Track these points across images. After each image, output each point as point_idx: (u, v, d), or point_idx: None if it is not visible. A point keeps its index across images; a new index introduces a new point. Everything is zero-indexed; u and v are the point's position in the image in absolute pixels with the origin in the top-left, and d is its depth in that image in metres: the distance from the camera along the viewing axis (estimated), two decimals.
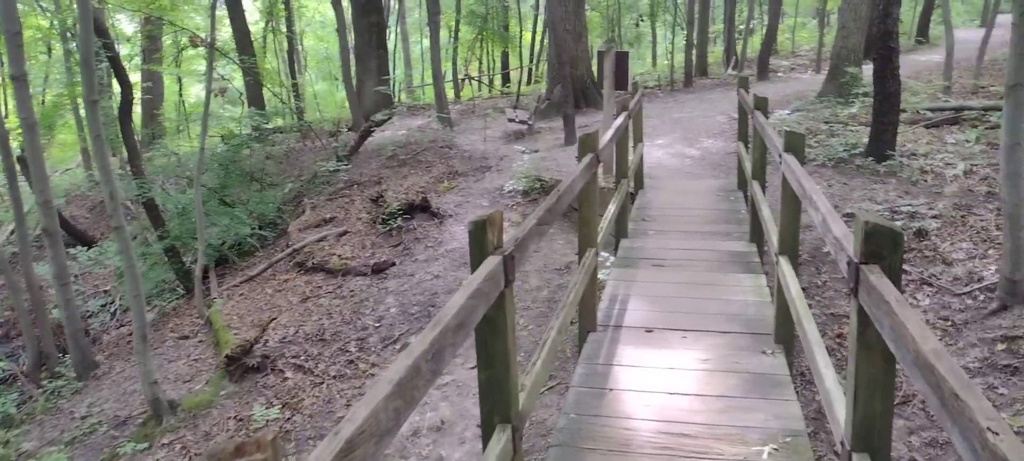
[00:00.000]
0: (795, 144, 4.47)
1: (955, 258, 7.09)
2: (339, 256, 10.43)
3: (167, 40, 24.11)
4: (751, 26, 26.67)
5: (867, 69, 16.44)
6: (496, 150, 13.27)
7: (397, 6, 33.95)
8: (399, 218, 10.56)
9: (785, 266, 4.31)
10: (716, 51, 29.25)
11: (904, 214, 7.79)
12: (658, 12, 26.49)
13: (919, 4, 26.62)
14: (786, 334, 4.47)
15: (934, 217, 7.75)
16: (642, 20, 27.26)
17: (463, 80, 27.09)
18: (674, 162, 11.11)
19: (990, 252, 7.09)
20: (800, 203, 3.96)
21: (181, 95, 28.73)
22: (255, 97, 21.85)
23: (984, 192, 8.25)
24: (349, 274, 9.86)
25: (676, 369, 4.26)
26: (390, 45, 37.39)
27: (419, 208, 10.68)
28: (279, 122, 26.60)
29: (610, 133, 5.79)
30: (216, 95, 19.85)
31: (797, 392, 4.31)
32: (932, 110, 11.75)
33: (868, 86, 14.07)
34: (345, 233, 11.21)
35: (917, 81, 15.55)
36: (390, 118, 14.79)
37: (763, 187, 6.41)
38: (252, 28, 25.96)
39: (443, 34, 26.28)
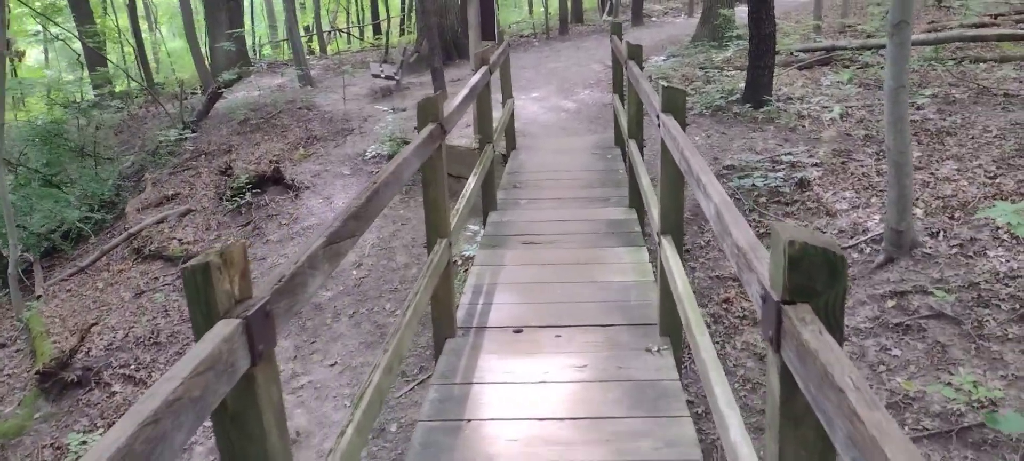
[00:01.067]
0: (675, 102, 3.75)
1: (838, 209, 6.70)
2: (180, 240, 9.14)
3: None
4: None
5: (740, 10, 16.28)
6: (360, 110, 12.12)
7: None
8: (248, 193, 9.35)
9: (669, 249, 3.61)
10: None
11: (785, 164, 7.35)
12: None
13: None
14: (672, 324, 3.79)
15: (815, 165, 7.36)
16: None
17: (330, 33, 25.40)
18: (550, 117, 10.36)
19: (873, 200, 6.74)
20: (684, 177, 3.24)
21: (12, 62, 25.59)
22: (97, 59, 19.49)
23: (862, 136, 7.94)
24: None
25: (548, 383, 3.51)
26: None
27: (271, 180, 9.49)
28: (125, 86, 24.18)
29: (464, 92, 4.91)
30: (11, 59, 17.47)
31: (689, 403, 3.66)
32: (804, 51, 11.51)
33: (741, 28, 13.79)
34: (189, 212, 9.88)
35: (787, 21, 15.43)
36: (240, 78, 13.30)
37: (641, 147, 5.72)
38: None
39: None
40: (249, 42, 26.23)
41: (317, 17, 22.55)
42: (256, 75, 18.29)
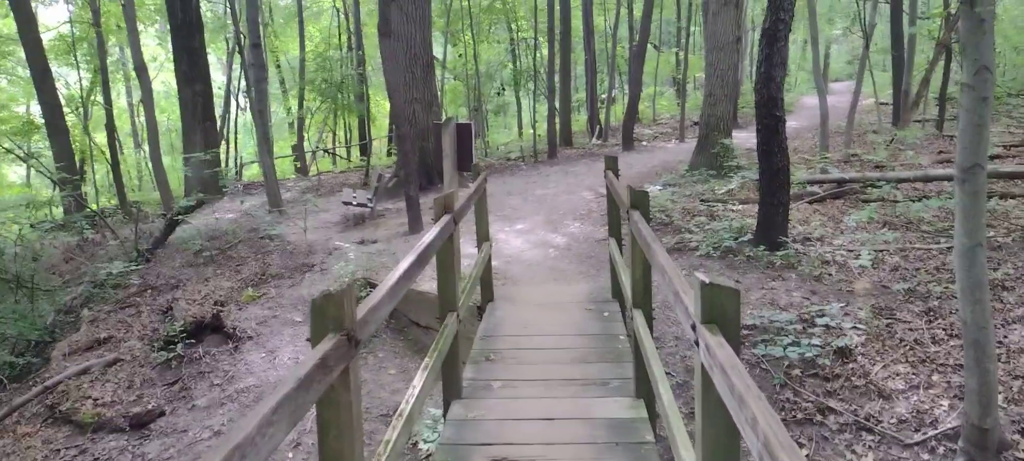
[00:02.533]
0: (724, 311, 2.35)
1: (893, 389, 5.27)
2: (96, 399, 7.54)
3: None
4: (612, 95, 25.67)
5: (740, 136, 15.43)
6: (327, 240, 10.79)
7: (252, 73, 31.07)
8: (181, 343, 7.86)
9: None
10: (580, 119, 28.13)
11: (819, 327, 5.97)
12: (521, 80, 25.04)
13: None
14: None
15: (855, 329, 5.97)
16: (503, 89, 25.75)
17: (314, 153, 24.48)
18: (536, 254, 9.03)
19: (935, 378, 5.33)
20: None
21: None
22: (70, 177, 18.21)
23: (903, 291, 6.60)
24: (102, 429, 7.02)
25: None
26: (247, 115, 34.25)
27: (210, 327, 8.02)
28: (102, 203, 22.93)
29: (410, 259, 3.56)
30: None
31: None
32: (813, 183, 10.36)
33: (742, 157, 12.74)
34: (116, 362, 8.33)
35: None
36: (201, 204, 12.02)
37: (650, 319, 4.33)
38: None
39: (294, 102, 23.67)
40: (233, 161, 25.25)
41: (299, 136, 21.65)
42: (230, 196, 17.08)
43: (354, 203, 11.63)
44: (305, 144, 24.31)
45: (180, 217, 11.66)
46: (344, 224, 11.92)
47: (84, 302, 10.89)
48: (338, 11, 25.59)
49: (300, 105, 22.76)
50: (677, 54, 32.16)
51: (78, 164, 22.48)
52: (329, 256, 9.86)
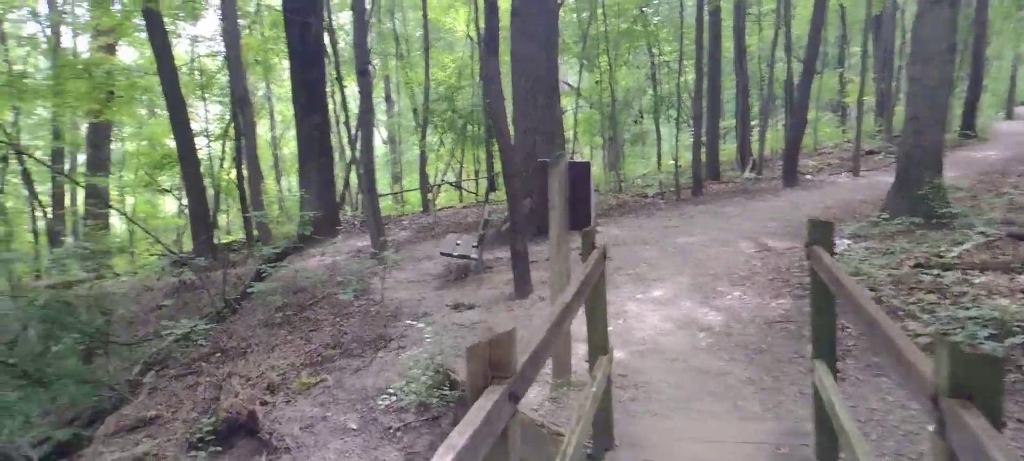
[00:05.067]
0: None
1: None
2: None
3: None
4: (767, 121, 22.28)
5: (950, 171, 11.99)
6: (418, 302, 8.65)
7: (387, 106, 30.28)
8: (208, 445, 5.89)
9: None
10: (728, 148, 24.85)
11: None
12: (661, 107, 22.25)
13: (960, 89, 22.16)
14: None
15: None
16: (641, 117, 23.06)
17: (438, 185, 22.84)
18: (679, 340, 6.37)
19: None
20: None
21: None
22: (203, 211, 17.45)
23: None
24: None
25: None
26: (379, 145, 33.55)
27: (245, 429, 6.00)
28: (230, 238, 22.37)
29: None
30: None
31: None
32: None
33: (958, 203, 9.52)
34: (143, 459, 6.51)
35: (984, 187, 10.86)
36: (286, 253, 10.35)
37: None
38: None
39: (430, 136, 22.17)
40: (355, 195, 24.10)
41: (421, 169, 20.02)
42: (344, 235, 15.53)
43: (454, 254, 9.43)
44: (430, 177, 22.76)
45: (263, 268, 9.99)
46: (445, 277, 9.76)
47: (154, 363, 9.38)
48: (470, 39, 24.01)
49: (422, 136, 21.16)
50: (841, 75, 28.14)
51: (214, 197, 22.11)
52: (416, 322, 7.66)
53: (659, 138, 23.57)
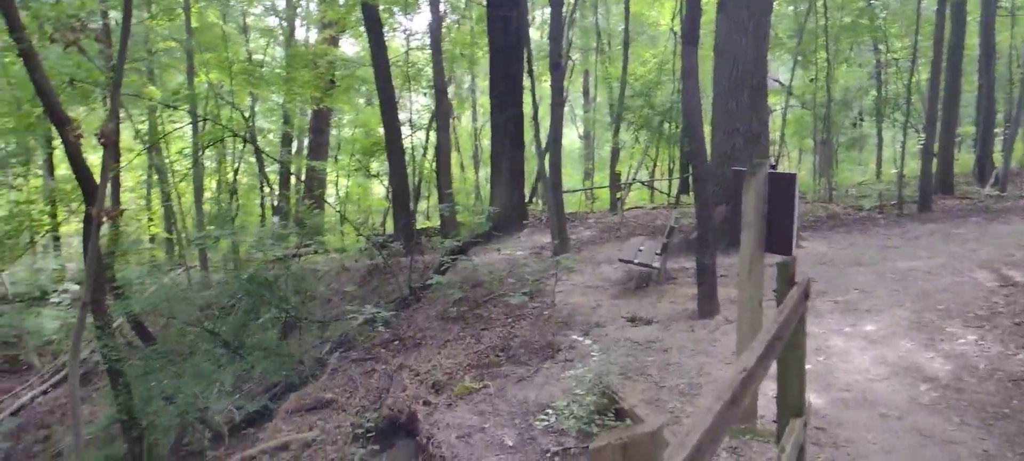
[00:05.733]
0: None
1: None
2: None
3: None
4: (1016, 130, 18.99)
5: None
6: (594, 309, 8.15)
7: (584, 101, 30.03)
8: (368, 442, 5.84)
9: None
10: (963, 159, 21.65)
11: None
12: (885, 109, 19.78)
13: None
14: None
15: None
16: (861, 120, 20.72)
17: (627, 185, 22.09)
18: (895, 391, 5.31)
19: None
20: None
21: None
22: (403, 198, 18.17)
23: None
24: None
25: None
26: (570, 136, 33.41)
27: (404, 429, 5.88)
28: (430, 223, 23.20)
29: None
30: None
31: None
32: None
33: None
34: (313, 443, 6.65)
35: None
36: (467, 247, 10.29)
37: None
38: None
39: (623, 130, 21.57)
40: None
41: (612, 167, 19.43)
42: (529, 229, 15.43)
43: (635, 261, 8.80)
44: (622, 176, 22.12)
45: (445, 261, 10.01)
46: (624, 284, 9.16)
47: (341, 343, 9.74)
48: (673, 33, 22.96)
49: (615, 132, 20.55)
50: None
51: (416, 184, 23.08)
52: (587, 333, 7.18)
53: (880, 143, 21.07)
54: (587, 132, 28.38)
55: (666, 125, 20.39)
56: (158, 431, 7.86)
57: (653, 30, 27.23)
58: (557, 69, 12.30)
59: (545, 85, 21.22)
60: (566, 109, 25.86)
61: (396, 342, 8.88)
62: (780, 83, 21.89)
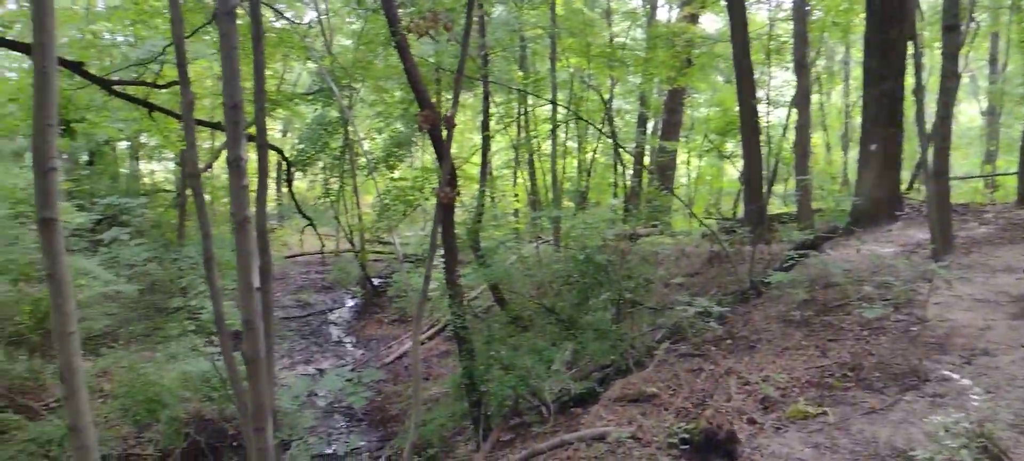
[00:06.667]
0: None
1: None
2: None
3: None
4: None
5: None
6: (982, 331, 6.43)
7: (989, 70, 24.76)
8: (680, 453, 5.34)
9: None
10: None
11: None
12: None
13: None
14: None
15: None
16: None
17: None
18: None
19: None
20: None
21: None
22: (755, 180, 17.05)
23: None
24: None
25: None
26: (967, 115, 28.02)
27: (721, 449, 5.23)
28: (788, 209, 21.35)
29: None
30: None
31: None
32: None
33: None
34: (630, 440, 6.38)
35: None
36: (819, 241, 8.90)
37: None
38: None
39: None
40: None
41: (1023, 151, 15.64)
42: (903, 221, 13.17)
43: None
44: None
45: (791, 255, 8.87)
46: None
47: (672, 334, 9.32)
48: None
49: None
50: None
51: (772, 167, 21.30)
52: (966, 364, 5.67)
53: None
54: (992, 107, 23.42)
55: None
56: (494, 398, 8.35)
57: None
58: (953, 31, 10.08)
59: (936, 52, 17.82)
60: (965, 79, 21.59)
61: (728, 341, 8.16)
62: None
